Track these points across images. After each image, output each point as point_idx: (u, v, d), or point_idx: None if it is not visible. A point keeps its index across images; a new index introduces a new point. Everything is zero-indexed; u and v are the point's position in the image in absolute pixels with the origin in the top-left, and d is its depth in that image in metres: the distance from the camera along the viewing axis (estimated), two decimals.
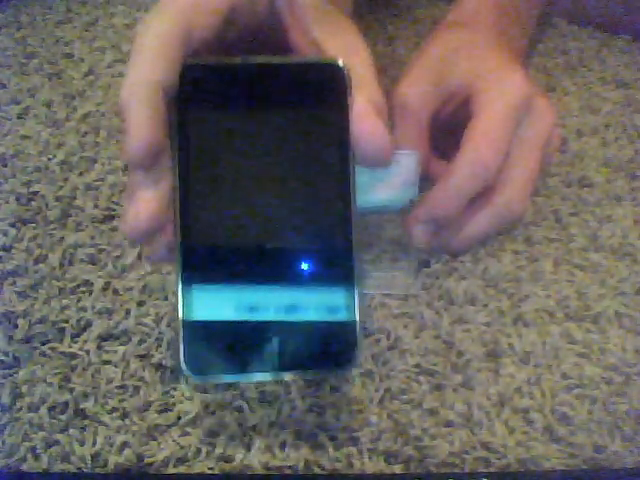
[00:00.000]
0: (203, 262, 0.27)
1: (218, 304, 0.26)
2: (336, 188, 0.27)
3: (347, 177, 0.27)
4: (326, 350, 0.26)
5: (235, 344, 0.26)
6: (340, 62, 0.27)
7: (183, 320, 0.26)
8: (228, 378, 0.29)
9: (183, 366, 0.26)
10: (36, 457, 0.31)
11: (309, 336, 0.26)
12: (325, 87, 0.27)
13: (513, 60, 0.40)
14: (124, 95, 0.26)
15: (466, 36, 0.43)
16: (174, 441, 0.32)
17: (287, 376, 0.27)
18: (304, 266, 0.27)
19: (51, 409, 0.33)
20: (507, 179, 0.38)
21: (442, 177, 0.37)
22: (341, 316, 0.26)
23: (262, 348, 0.26)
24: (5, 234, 0.41)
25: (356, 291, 0.26)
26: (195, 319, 0.26)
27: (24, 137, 0.48)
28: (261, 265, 0.27)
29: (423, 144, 0.41)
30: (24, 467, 0.31)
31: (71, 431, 0.32)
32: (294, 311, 0.26)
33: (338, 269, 0.27)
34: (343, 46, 0.29)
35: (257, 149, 0.27)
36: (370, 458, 0.32)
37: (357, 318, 0.26)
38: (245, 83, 0.27)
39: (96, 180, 0.45)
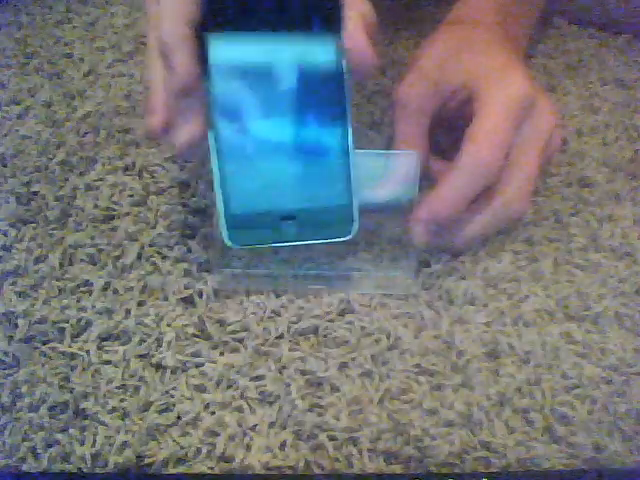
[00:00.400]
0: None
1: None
2: (334, 95, 0.33)
3: (342, 82, 0.33)
4: (330, 224, 0.35)
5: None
6: None
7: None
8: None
9: (225, 236, 0.34)
10: (36, 457, 0.31)
11: (318, 215, 0.35)
12: (323, 9, 0.32)
13: (515, 59, 0.40)
14: (166, 35, 0.32)
15: (467, 35, 0.43)
16: (174, 441, 0.32)
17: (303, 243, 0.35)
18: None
19: (51, 409, 0.33)
20: (507, 178, 0.38)
21: (443, 177, 0.37)
22: (341, 200, 0.34)
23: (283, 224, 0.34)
24: (5, 234, 0.41)
25: (352, 173, 0.34)
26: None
27: (24, 137, 0.48)
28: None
29: (423, 143, 0.41)
30: (24, 467, 0.31)
31: (71, 431, 0.32)
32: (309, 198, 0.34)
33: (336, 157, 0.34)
34: None
35: (270, 67, 0.33)
36: (370, 458, 0.32)
37: (353, 200, 0.34)
38: (256, 10, 0.32)
39: (96, 180, 0.45)
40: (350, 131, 0.34)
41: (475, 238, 0.40)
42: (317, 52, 0.33)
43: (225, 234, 0.34)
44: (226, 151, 0.33)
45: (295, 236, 0.35)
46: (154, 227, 0.42)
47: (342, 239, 0.35)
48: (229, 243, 0.34)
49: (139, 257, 0.40)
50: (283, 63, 0.33)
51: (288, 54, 0.33)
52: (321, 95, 0.33)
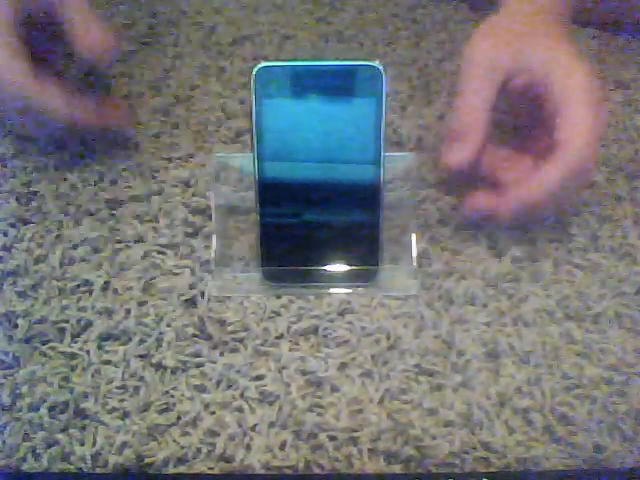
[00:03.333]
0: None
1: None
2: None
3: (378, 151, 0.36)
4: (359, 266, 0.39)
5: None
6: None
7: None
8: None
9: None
10: (36, 457, 0.31)
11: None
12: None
13: (573, 44, 0.41)
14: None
15: (531, 17, 0.43)
16: (174, 441, 0.32)
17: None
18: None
19: (51, 409, 0.33)
20: (574, 133, 0.39)
21: (540, 170, 0.39)
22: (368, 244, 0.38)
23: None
24: (5, 234, 0.41)
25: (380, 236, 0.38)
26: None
27: (24, 137, 0.48)
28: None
29: (487, 105, 0.41)
30: (24, 467, 0.31)
31: (71, 431, 0.32)
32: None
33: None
34: None
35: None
36: (370, 458, 0.32)
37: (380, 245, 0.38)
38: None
39: (96, 180, 0.45)
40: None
41: (548, 197, 0.39)
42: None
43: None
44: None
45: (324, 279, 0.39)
46: (155, 227, 0.42)
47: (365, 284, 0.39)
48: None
49: (140, 257, 0.40)
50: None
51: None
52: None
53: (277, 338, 0.36)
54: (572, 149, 0.38)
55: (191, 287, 0.39)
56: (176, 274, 0.39)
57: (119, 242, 0.41)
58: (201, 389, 0.34)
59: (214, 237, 0.39)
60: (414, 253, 0.39)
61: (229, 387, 0.34)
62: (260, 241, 0.38)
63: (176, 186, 0.44)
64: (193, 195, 0.44)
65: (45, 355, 0.35)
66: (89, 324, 0.37)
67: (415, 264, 0.39)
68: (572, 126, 0.39)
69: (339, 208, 0.38)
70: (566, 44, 0.41)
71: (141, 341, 0.36)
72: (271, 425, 0.33)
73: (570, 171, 0.38)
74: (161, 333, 0.36)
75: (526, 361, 0.36)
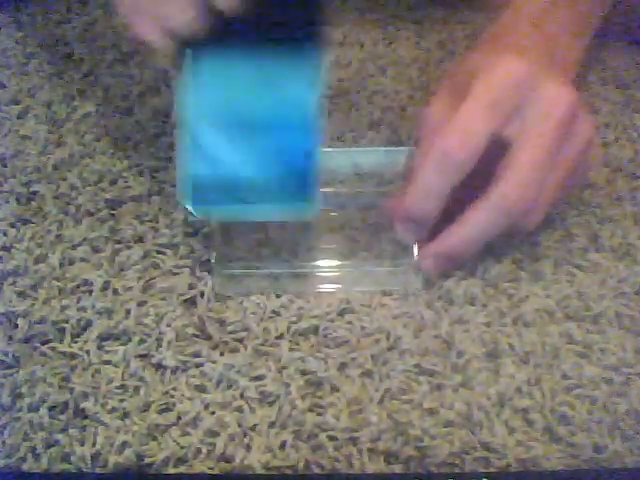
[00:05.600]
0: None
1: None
2: None
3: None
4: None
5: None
6: None
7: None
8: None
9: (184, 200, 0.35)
10: (36, 457, 0.31)
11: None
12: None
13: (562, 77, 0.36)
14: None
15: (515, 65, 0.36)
16: (174, 441, 0.32)
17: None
18: None
19: (51, 409, 0.33)
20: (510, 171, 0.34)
21: (465, 214, 0.35)
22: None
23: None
24: (5, 234, 0.41)
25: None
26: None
27: (24, 137, 0.48)
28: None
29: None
30: (24, 467, 0.31)
31: (71, 431, 0.32)
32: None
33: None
34: None
35: None
36: (370, 458, 0.32)
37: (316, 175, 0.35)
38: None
39: (96, 180, 0.45)
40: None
41: (473, 239, 0.37)
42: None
43: (187, 196, 0.35)
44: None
45: (257, 198, 0.36)
46: (155, 227, 0.42)
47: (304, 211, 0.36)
48: (189, 206, 0.35)
49: (140, 257, 0.40)
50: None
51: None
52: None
53: (277, 338, 0.36)
54: (496, 195, 0.34)
55: (191, 287, 0.39)
56: (176, 274, 0.39)
57: (119, 242, 0.41)
58: (201, 389, 0.34)
59: (215, 234, 0.39)
60: (415, 251, 0.39)
61: (229, 387, 0.34)
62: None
63: (176, 186, 0.44)
64: None
65: (45, 355, 0.35)
66: (89, 324, 0.37)
67: (416, 259, 0.39)
68: (506, 164, 0.34)
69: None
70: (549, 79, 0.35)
71: (141, 341, 0.36)
72: (271, 425, 0.33)
73: (498, 213, 0.34)
74: (161, 333, 0.36)
75: (526, 361, 0.36)
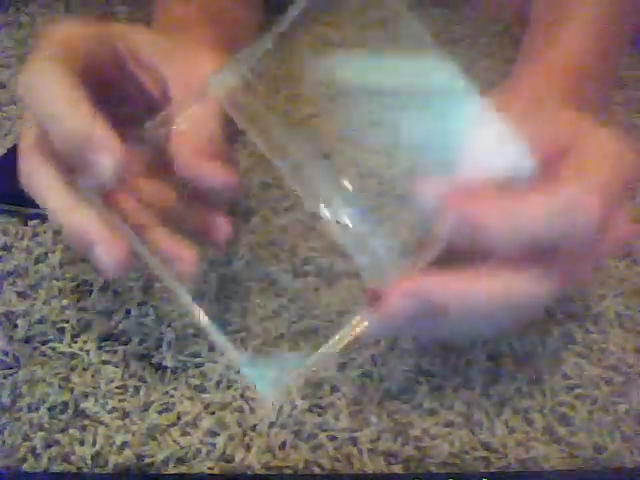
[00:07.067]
0: None
1: None
2: None
3: None
4: None
5: None
6: None
7: None
8: None
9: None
10: (36, 457, 0.31)
11: None
12: None
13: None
14: None
15: (540, 95, 0.34)
16: (174, 441, 0.32)
17: None
18: None
19: (51, 409, 0.33)
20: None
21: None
22: None
23: None
24: (5, 234, 0.41)
25: None
26: None
27: None
28: None
29: None
30: (24, 467, 0.31)
31: (71, 431, 0.32)
32: None
33: None
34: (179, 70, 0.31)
35: None
36: (370, 458, 0.32)
37: None
38: None
39: None
40: None
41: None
42: None
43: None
44: None
45: None
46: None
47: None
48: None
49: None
50: None
51: None
52: None
53: (277, 338, 0.36)
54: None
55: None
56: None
57: None
58: (201, 389, 0.34)
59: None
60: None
61: (229, 387, 0.34)
62: None
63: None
64: None
65: (45, 355, 0.35)
66: (89, 324, 0.37)
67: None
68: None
69: None
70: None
71: (141, 341, 0.36)
72: (271, 425, 0.33)
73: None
74: (161, 333, 0.36)
75: (526, 361, 0.36)
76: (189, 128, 0.30)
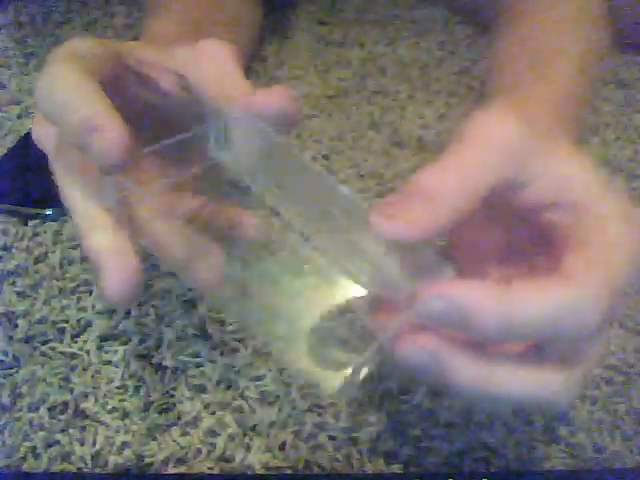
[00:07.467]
0: None
1: None
2: None
3: None
4: None
5: None
6: None
7: None
8: None
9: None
10: (36, 457, 0.31)
11: None
12: None
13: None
14: None
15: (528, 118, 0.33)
16: (174, 441, 0.32)
17: None
18: None
19: (51, 409, 0.33)
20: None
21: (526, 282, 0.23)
22: None
23: None
24: (5, 234, 0.41)
25: None
26: None
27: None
28: None
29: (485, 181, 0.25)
30: (24, 467, 0.31)
31: (71, 431, 0.32)
32: None
33: None
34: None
35: None
36: (370, 458, 0.32)
37: None
38: None
39: None
40: None
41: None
42: None
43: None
44: None
45: None
46: None
47: None
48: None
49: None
50: None
51: None
52: None
53: (277, 338, 0.36)
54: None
55: (190, 288, 0.38)
56: (175, 275, 0.39)
57: None
58: (201, 389, 0.34)
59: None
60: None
61: (229, 387, 0.34)
62: None
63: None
64: None
65: (45, 355, 0.35)
66: (89, 324, 0.37)
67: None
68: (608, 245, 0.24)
69: None
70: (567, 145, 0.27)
71: (141, 341, 0.36)
72: (271, 425, 0.33)
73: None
74: (161, 333, 0.36)
75: None
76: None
